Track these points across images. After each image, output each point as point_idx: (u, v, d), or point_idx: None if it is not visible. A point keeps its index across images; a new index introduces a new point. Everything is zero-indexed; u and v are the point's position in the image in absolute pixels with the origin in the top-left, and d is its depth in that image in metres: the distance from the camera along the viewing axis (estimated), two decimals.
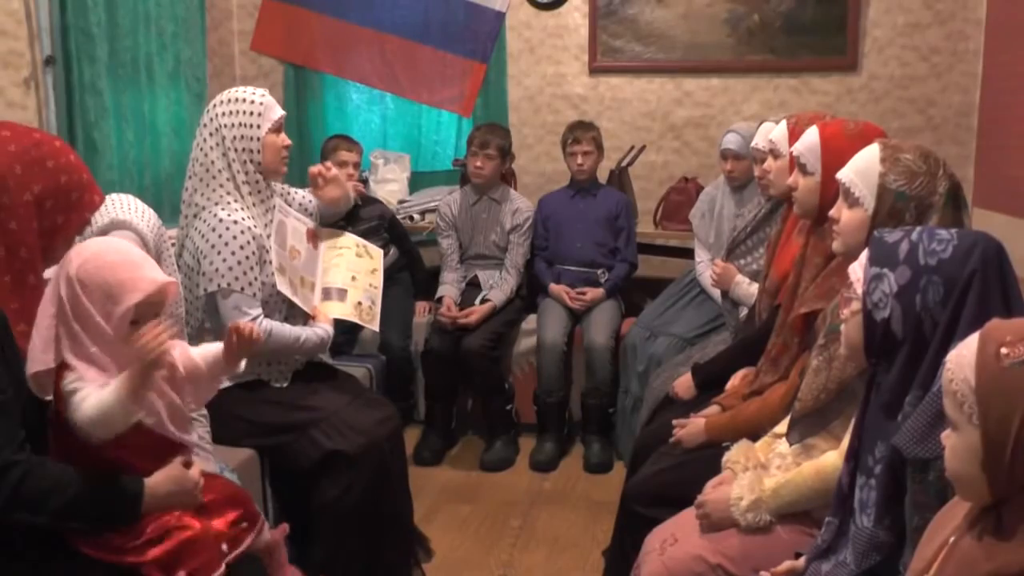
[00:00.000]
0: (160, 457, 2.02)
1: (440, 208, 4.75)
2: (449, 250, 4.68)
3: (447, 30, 5.40)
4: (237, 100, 2.85)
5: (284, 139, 2.90)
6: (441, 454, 4.43)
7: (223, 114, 2.84)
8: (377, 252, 3.26)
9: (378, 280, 3.16)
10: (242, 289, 2.75)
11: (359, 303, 3.04)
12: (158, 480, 1.98)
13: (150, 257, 2.08)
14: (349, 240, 3.20)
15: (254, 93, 2.88)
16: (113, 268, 1.94)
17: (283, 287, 2.84)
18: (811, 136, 2.46)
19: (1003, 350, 1.23)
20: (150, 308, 1.97)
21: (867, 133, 2.40)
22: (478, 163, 4.53)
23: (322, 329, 2.94)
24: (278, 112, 2.89)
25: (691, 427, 2.66)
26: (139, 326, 1.94)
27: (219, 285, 2.74)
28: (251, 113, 2.83)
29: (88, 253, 1.97)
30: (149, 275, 1.96)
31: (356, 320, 3.08)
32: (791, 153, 2.58)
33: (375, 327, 3.15)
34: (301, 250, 2.99)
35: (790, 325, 2.46)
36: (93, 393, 1.88)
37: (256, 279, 2.78)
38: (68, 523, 1.88)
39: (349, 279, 3.09)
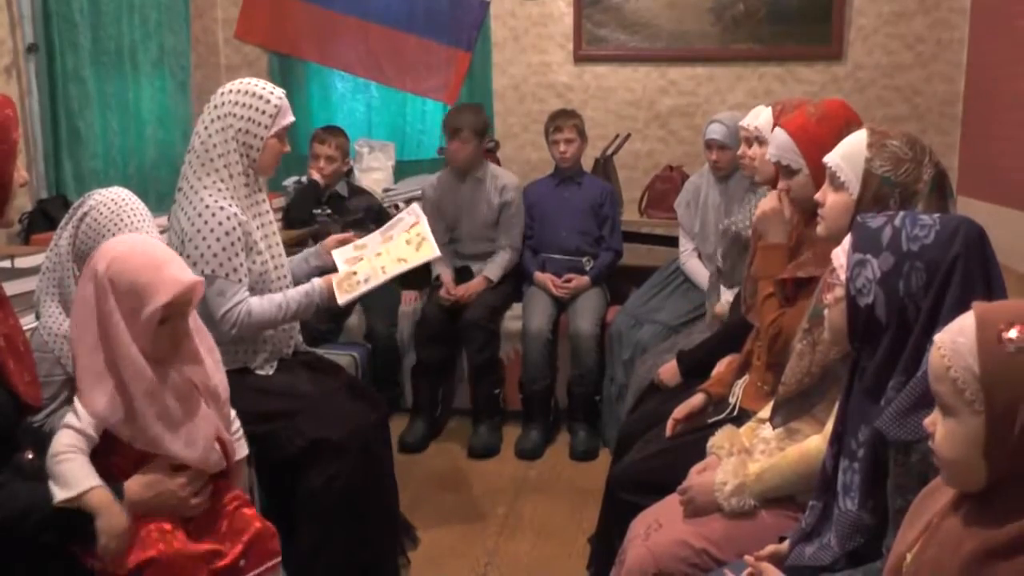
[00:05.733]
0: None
1: (424, 191, 4.76)
2: (436, 231, 4.64)
3: (432, 18, 5.41)
4: (254, 95, 2.81)
5: (286, 147, 2.90)
6: (426, 440, 4.44)
7: (236, 103, 2.80)
8: (421, 255, 2.95)
9: (393, 269, 2.91)
10: (226, 275, 2.74)
11: (354, 272, 2.92)
12: (132, 487, 1.97)
13: (175, 253, 2.10)
14: (422, 228, 3.03)
15: (272, 93, 2.83)
16: (140, 270, 1.98)
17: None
18: (781, 136, 2.43)
19: (1006, 335, 1.23)
20: (178, 307, 2.01)
21: (830, 113, 2.40)
22: (454, 147, 4.52)
23: (309, 285, 2.89)
24: (289, 119, 2.85)
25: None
26: (167, 325, 2.00)
27: (203, 271, 2.73)
28: (264, 112, 2.80)
29: (115, 252, 2.01)
30: (176, 275, 2.00)
31: (335, 283, 2.93)
32: (778, 162, 2.52)
33: (341, 299, 2.91)
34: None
35: (780, 281, 2.45)
36: (69, 452, 1.92)
37: (241, 265, 2.77)
38: (48, 539, 1.88)
39: (377, 252, 2.99)
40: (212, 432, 2.09)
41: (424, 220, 3.05)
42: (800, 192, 2.43)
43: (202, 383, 2.11)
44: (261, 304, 2.80)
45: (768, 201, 2.58)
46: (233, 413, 2.29)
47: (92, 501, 1.89)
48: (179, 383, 2.05)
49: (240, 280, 2.77)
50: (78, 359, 2.01)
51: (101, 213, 2.38)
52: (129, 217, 2.39)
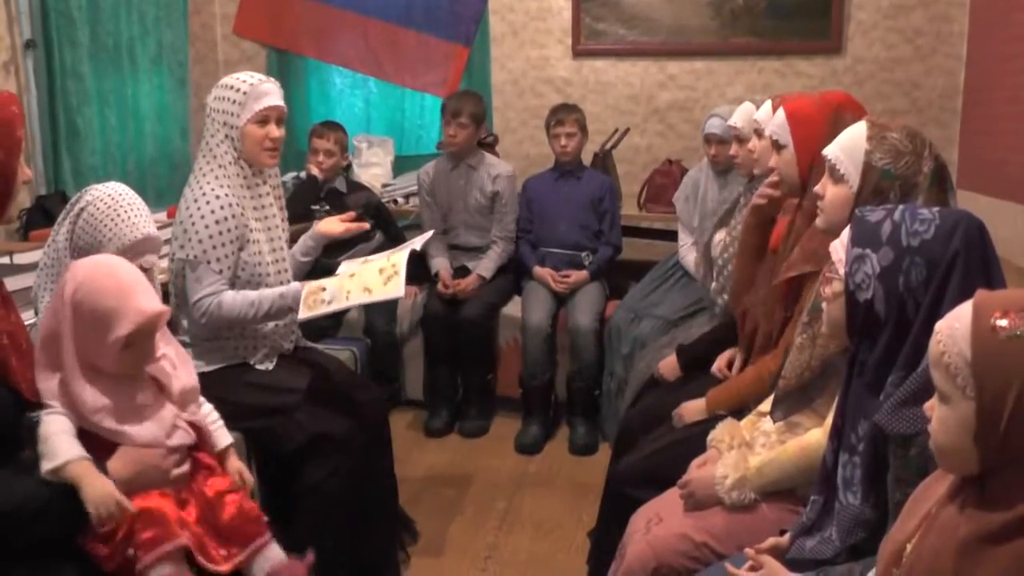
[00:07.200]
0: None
1: (419, 176, 4.77)
2: (430, 219, 4.71)
3: (430, 13, 5.41)
4: (226, 86, 2.83)
5: (271, 131, 2.83)
6: (451, 426, 4.52)
7: (215, 98, 2.84)
8: (386, 290, 2.83)
9: (356, 297, 2.84)
10: (208, 262, 2.74)
11: (323, 289, 2.85)
12: (114, 465, 1.96)
13: (144, 280, 2.07)
14: (400, 258, 2.90)
15: (244, 81, 2.82)
16: (105, 294, 1.96)
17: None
18: (779, 113, 2.53)
19: (998, 322, 1.23)
20: (143, 334, 2.00)
21: (828, 97, 2.52)
22: (451, 131, 4.53)
23: (286, 287, 2.87)
24: (266, 103, 2.81)
25: (692, 405, 2.69)
26: (133, 348, 1.99)
27: (188, 255, 2.74)
28: (233, 101, 2.80)
29: (83, 275, 1.99)
30: (140, 305, 1.98)
31: (303, 294, 2.86)
32: (770, 136, 2.60)
33: (301, 314, 2.83)
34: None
35: (774, 291, 2.47)
36: (55, 431, 1.93)
37: (228, 256, 2.77)
38: (46, 530, 1.86)
39: (350, 274, 2.96)
40: (171, 421, 2.09)
41: (407, 254, 2.92)
42: (785, 169, 2.53)
43: (164, 379, 2.12)
44: (234, 299, 2.79)
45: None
46: (210, 406, 2.29)
47: (74, 471, 1.88)
48: (135, 386, 2.06)
49: (220, 271, 2.76)
50: (37, 355, 2.02)
51: (98, 208, 2.38)
52: (126, 212, 2.38)
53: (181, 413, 2.13)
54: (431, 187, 4.70)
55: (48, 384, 1.99)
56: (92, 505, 1.86)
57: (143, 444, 2.02)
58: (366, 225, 3.26)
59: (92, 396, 1.98)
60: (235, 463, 2.25)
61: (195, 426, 2.16)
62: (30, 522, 1.84)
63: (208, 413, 2.27)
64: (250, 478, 2.25)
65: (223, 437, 2.27)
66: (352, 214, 3.29)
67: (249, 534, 2.11)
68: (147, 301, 2.00)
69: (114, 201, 2.39)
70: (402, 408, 4.64)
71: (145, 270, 2.29)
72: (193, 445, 2.14)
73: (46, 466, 1.88)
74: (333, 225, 3.18)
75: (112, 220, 2.36)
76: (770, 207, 2.77)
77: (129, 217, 2.38)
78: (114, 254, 2.29)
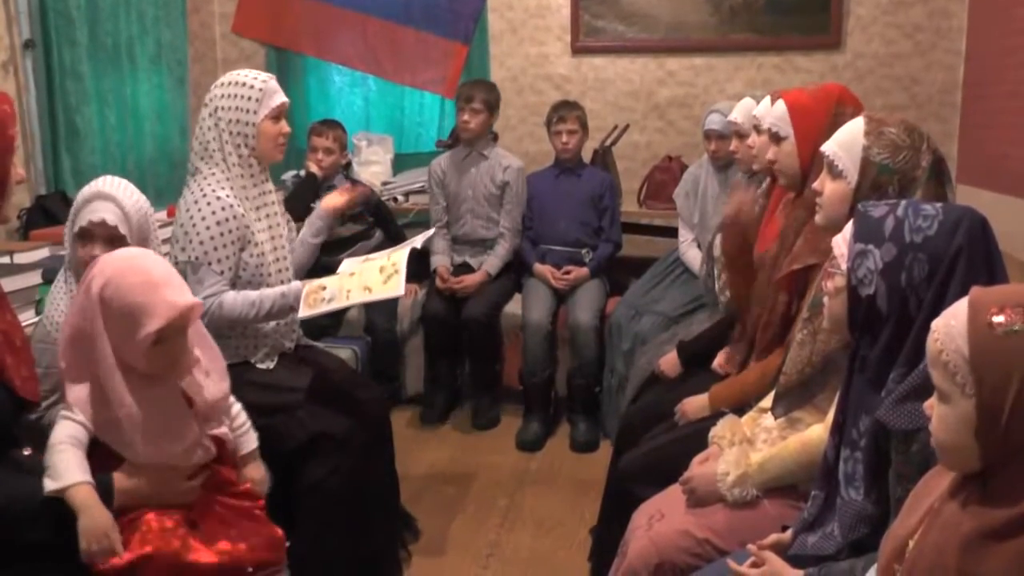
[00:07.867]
0: None
1: (431, 168, 4.79)
2: (438, 215, 4.73)
3: (429, 11, 5.41)
4: (237, 83, 2.82)
5: (283, 127, 2.86)
6: (447, 413, 4.60)
7: (222, 96, 2.82)
8: (386, 289, 2.85)
9: (356, 296, 2.85)
10: (210, 263, 2.74)
11: (323, 287, 2.85)
12: (120, 477, 1.95)
13: (175, 273, 2.06)
14: (400, 257, 2.91)
15: (256, 78, 2.83)
16: (134, 290, 1.93)
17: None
18: (778, 106, 2.55)
19: (995, 318, 1.23)
20: (174, 329, 1.97)
21: (826, 87, 2.56)
22: (465, 117, 4.56)
23: (287, 286, 2.87)
24: (278, 99, 2.84)
25: (695, 401, 2.69)
26: (164, 345, 1.95)
27: (190, 256, 2.74)
28: (249, 98, 2.80)
29: (111, 271, 1.97)
30: (169, 299, 1.95)
31: (304, 292, 2.88)
32: (768, 128, 2.61)
33: (302, 313, 2.85)
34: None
35: (776, 285, 2.47)
36: (66, 443, 1.91)
37: (229, 257, 2.76)
38: (37, 533, 1.86)
39: (350, 272, 2.94)
40: (193, 441, 2.05)
41: (407, 252, 2.93)
42: (785, 161, 2.52)
43: (194, 394, 2.07)
44: (235, 299, 2.78)
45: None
46: (239, 407, 2.28)
47: (76, 498, 1.86)
48: (166, 395, 2.02)
49: (222, 272, 2.76)
50: (63, 357, 2.00)
51: (84, 187, 2.41)
52: (110, 185, 2.40)
53: (207, 433, 2.10)
54: (442, 178, 4.72)
55: (77, 394, 1.96)
56: (85, 539, 1.85)
57: (154, 461, 1.99)
58: (368, 189, 3.26)
59: (128, 402, 1.95)
60: (254, 471, 2.25)
61: (218, 439, 2.13)
62: (17, 523, 1.84)
63: (237, 415, 2.26)
64: (264, 484, 2.28)
65: (248, 442, 2.27)
66: (350, 185, 3.30)
67: (270, 561, 2.10)
68: (177, 295, 1.97)
69: (99, 180, 2.42)
70: (403, 406, 4.64)
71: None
72: (215, 458, 2.11)
73: (49, 485, 1.86)
74: (335, 199, 3.22)
75: (92, 192, 2.38)
76: (738, 217, 2.81)
77: (111, 182, 2.42)
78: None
